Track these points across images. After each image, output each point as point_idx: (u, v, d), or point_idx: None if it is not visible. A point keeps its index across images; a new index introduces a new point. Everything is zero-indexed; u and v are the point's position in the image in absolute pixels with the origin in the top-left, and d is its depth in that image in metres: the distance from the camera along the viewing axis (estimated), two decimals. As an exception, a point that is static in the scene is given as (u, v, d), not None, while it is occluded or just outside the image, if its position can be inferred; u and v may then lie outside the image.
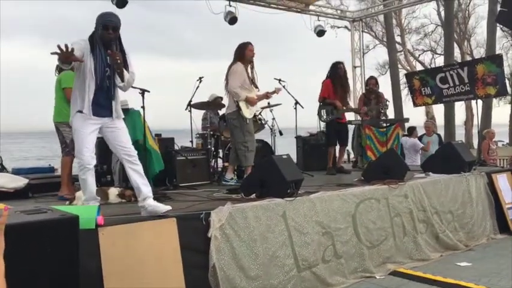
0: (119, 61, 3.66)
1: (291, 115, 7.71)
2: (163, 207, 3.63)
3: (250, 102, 6.06)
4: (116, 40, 3.75)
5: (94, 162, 3.79)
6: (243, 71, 6.06)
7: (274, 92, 6.35)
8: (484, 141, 9.93)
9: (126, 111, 5.08)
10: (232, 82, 6.02)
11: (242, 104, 6.01)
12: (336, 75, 7.38)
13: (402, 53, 30.25)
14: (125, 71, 3.78)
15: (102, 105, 3.78)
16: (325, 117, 7.36)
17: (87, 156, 3.71)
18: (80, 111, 3.71)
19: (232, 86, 6.01)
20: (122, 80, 3.78)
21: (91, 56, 3.68)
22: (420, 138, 9.91)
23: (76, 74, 3.79)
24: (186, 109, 6.90)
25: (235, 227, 3.82)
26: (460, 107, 25.96)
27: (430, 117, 25.79)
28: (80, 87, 3.75)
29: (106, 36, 3.70)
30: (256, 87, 6.24)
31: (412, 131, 10.01)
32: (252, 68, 6.20)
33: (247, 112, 6.04)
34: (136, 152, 3.83)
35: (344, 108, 7.47)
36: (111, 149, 3.90)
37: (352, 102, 9.81)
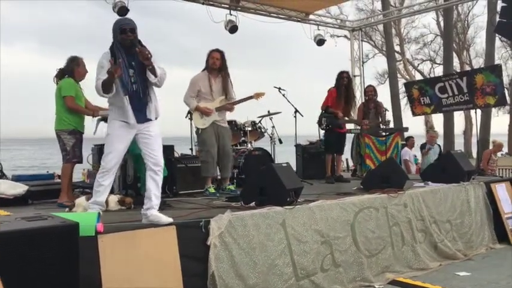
0: (149, 55, 3.64)
1: (291, 123, 7.75)
2: (165, 219, 3.62)
3: (202, 112, 5.86)
4: (137, 43, 3.75)
5: (116, 168, 3.85)
6: (200, 80, 5.88)
7: (250, 98, 6.00)
8: (486, 151, 9.92)
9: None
10: (185, 92, 5.98)
11: (194, 114, 5.93)
12: (340, 85, 7.39)
13: (401, 62, 30.37)
14: (155, 65, 3.75)
15: (139, 110, 3.79)
16: (325, 125, 7.39)
17: (111, 160, 3.78)
18: (122, 121, 3.76)
19: (184, 96, 5.98)
20: (155, 76, 3.76)
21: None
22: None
23: None
24: (186, 117, 6.92)
25: (234, 235, 3.83)
26: (459, 117, 26.11)
27: (429, 126, 25.83)
28: (115, 97, 3.78)
29: (126, 40, 3.71)
30: (227, 95, 5.93)
31: (407, 140, 10.15)
32: (225, 76, 5.94)
33: (200, 122, 5.89)
34: (163, 162, 3.84)
35: (346, 118, 7.49)
36: (142, 154, 3.90)
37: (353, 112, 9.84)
